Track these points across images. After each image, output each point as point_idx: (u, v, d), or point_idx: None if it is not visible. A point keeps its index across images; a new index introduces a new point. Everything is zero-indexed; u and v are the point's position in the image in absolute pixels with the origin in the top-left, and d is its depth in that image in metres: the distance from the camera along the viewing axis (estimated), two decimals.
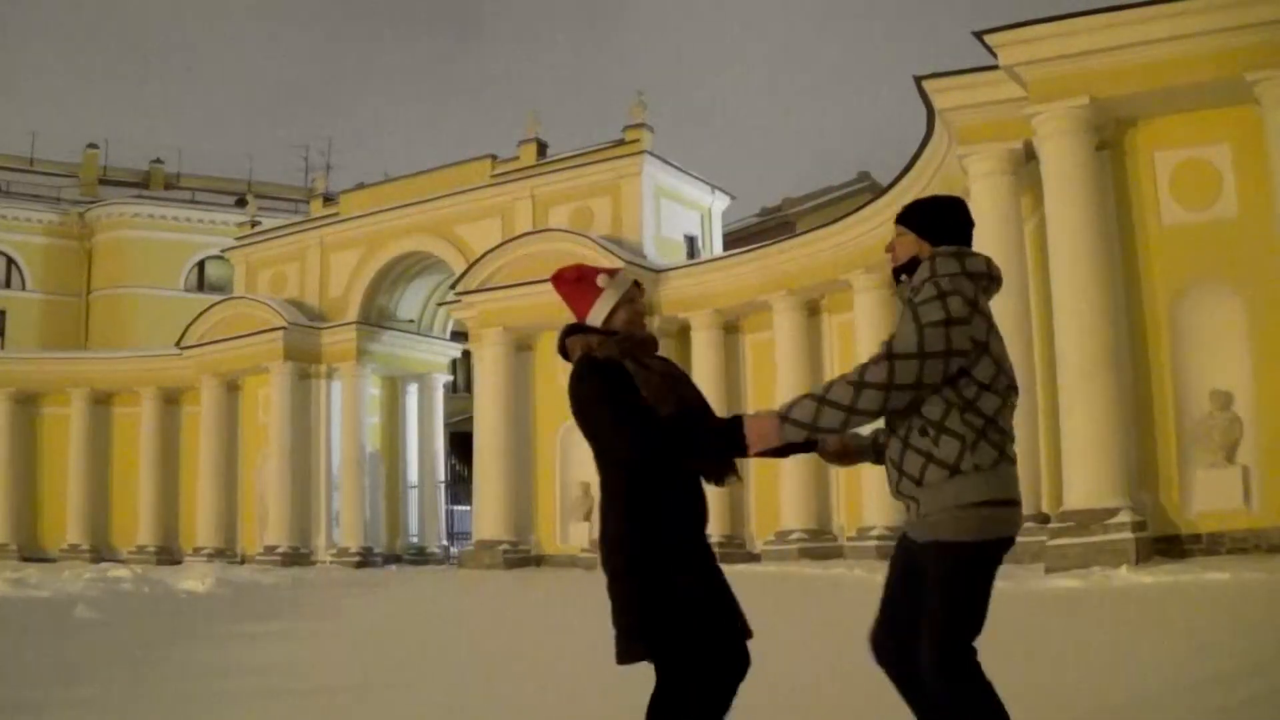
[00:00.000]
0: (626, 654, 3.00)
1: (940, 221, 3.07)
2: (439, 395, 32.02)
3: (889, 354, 2.83)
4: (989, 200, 15.34)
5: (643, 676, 3.04)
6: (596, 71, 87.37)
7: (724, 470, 3.10)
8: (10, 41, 78.25)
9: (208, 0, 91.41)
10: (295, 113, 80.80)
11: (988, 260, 3.04)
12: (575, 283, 3.24)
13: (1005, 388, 2.95)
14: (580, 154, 26.31)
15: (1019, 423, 3.16)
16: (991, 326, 2.94)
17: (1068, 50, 13.61)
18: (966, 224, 3.10)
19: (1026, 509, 14.60)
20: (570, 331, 3.20)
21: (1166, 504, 13.35)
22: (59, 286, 39.42)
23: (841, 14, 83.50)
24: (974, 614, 2.88)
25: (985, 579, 2.92)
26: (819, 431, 2.88)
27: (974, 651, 2.88)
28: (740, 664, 3.01)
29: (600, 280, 3.21)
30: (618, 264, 23.76)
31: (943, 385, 2.85)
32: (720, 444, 3.00)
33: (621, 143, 25.75)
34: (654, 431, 2.96)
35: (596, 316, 3.18)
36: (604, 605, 3.07)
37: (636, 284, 3.24)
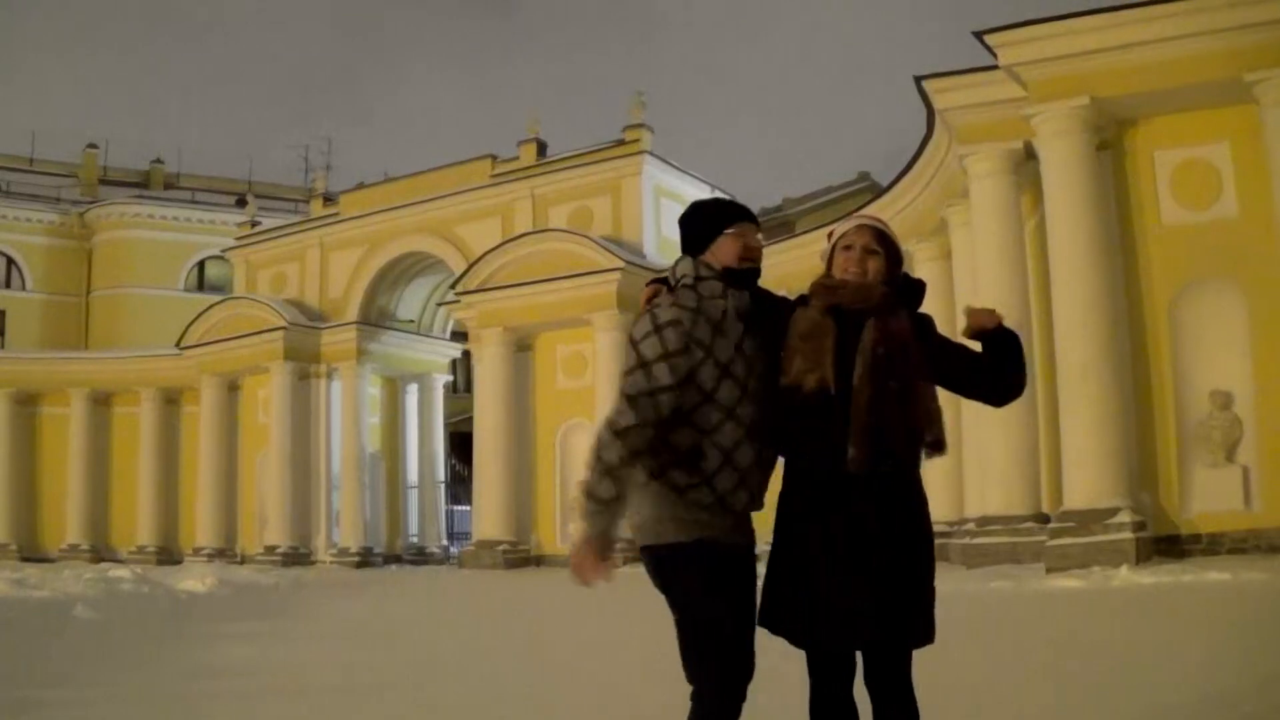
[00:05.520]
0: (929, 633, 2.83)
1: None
2: (439, 395, 31.98)
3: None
4: (989, 200, 15.34)
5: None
6: (596, 71, 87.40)
7: None
8: (10, 41, 78.26)
9: (207, 0, 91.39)
10: (295, 112, 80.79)
11: None
12: None
13: None
14: (580, 154, 26.27)
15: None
16: None
17: (1068, 50, 13.60)
18: None
19: (1028, 508, 14.71)
20: None
21: (1166, 504, 13.34)
22: (59, 286, 39.40)
23: (841, 14, 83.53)
24: None
25: None
26: None
27: None
28: None
29: None
30: (617, 263, 23.76)
31: None
32: None
33: (621, 143, 25.71)
34: None
35: None
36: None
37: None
